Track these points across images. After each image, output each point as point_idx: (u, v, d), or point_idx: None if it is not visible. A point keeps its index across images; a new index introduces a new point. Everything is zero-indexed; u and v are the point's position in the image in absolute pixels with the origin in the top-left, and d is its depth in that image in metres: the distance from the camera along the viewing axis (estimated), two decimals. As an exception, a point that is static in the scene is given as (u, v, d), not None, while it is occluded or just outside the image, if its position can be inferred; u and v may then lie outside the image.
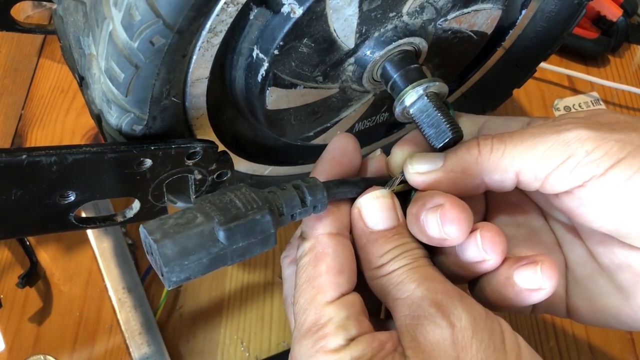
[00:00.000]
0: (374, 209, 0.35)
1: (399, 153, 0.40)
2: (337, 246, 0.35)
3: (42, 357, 0.57)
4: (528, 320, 0.62)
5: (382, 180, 0.38)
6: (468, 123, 0.41)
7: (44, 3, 0.76)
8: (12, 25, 0.53)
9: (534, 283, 0.34)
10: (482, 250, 0.34)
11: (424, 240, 0.35)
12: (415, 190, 0.37)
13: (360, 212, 0.36)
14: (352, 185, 0.36)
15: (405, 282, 0.33)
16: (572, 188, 0.33)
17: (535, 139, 0.33)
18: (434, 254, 0.37)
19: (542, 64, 0.59)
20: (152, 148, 0.37)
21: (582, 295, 0.38)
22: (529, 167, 0.33)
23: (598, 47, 0.79)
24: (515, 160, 0.34)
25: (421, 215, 0.34)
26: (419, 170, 0.36)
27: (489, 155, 0.34)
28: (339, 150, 0.38)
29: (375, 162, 0.40)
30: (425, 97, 0.40)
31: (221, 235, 0.30)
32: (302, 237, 0.36)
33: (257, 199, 0.31)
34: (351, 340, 0.32)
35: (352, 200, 0.37)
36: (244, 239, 0.30)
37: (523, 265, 0.34)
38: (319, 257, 0.34)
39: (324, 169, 0.37)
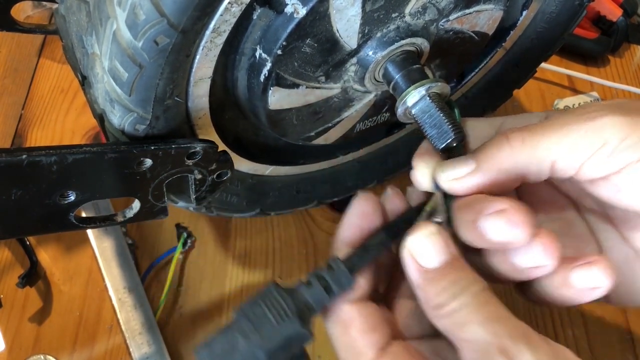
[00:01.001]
0: (426, 248, 0.34)
1: (423, 166, 0.38)
2: (362, 310, 0.35)
3: (42, 357, 0.57)
4: (527, 320, 0.62)
5: (405, 218, 0.37)
6: (485, 125, 0.40)
7: (44, 3, 0.76)
8: (12, 25, 0.53)
9: (592, 282, 0.34)
10: (541, 256, 0.33)
11: (481, 246, 0.34)
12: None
13: (413, 254, 0.35)
14: (376, 248, 0.36)
15: (469, 323, 0.32)
16: (609, 174, 0.33)
17: (568, 127, 0.33)
18: (477, 256, 0.36)
19: (542, 64, 0.59)
20: (152, 148, 0.37)
21: (617, 279, 0.38)
22: (563, 155, 0.33)
23: (598, 47, 0.79)
24: (551, 150, 0.33)
25: (479, 221, 0.33)
26: (456, 177, 0.35)
27: (521, 148, 0.34)
28: (359, 216, 0.37)
29: (391, 203, 0.39)
30: (428, 98, 0.40)
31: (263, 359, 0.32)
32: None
33: (286, 309, 0.32)
34: None
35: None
36: (284, 352, 0.32)
37: (580, 266, 0.34)
38: (348, 324, 0.34)
39: (346, 237, 0.37)
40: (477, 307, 0.32)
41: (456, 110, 0.39)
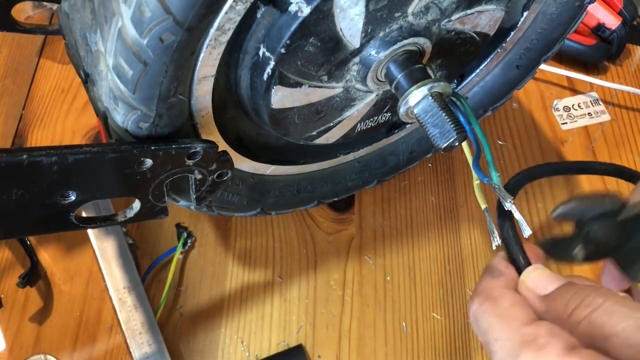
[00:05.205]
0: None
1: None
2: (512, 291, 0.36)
3: (42, 356, 0.57)
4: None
5: None
6: None
7: (44, 3, 0.76)
8: (13, 26, 0.53)
9: None
10: None
11: None
12: None
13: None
14: None
15: (611, 318, 0.33)
16: None
17: None
18: None
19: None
20: (153, 148, 0.37)
21: None
22: None
23: (596, 54, 0.78)
24: None
25: None
26: None
27: None
28: None
29: None
30: (430, 97, 0.40)
31: None
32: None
33: None
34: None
35: None
36: None
37: None
38: (497, 299, 0.36)
39: None
40: (616, 302, 0.33)
41: (465, 103, 0.39)
